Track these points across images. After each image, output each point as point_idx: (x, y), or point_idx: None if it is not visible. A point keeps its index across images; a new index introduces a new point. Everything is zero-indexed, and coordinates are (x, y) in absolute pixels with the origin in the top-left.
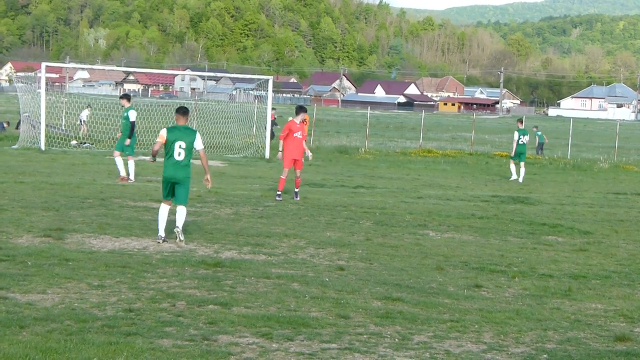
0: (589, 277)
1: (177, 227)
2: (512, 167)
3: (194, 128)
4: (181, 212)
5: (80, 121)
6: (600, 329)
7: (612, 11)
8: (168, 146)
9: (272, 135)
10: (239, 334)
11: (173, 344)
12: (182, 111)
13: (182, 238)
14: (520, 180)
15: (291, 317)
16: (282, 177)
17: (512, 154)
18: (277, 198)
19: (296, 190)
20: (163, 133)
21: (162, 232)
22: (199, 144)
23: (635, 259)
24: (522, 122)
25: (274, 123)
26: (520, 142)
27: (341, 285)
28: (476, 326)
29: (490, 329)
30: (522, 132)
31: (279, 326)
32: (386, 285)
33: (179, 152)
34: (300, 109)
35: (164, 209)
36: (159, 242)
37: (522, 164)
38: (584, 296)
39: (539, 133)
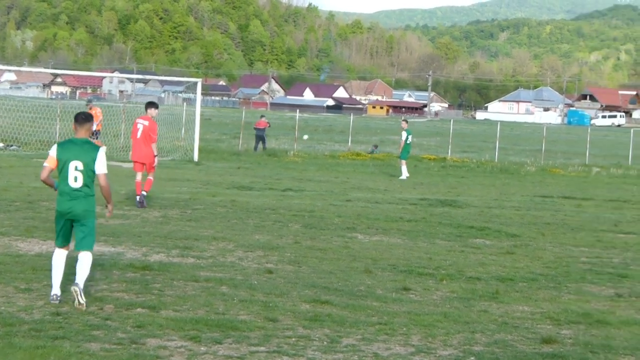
0: (516, 279)
1: (77, 284)
2: (404, 167)
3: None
4: (84, 262)
5: None
6: (527, 331)
7: (539, 15)
8: (60, 168)
9: (263, 141)
10: (167, 337)
11: (101, 347)
12: (82, 119)
13: (82, 300)
14: (405, 177)
15: (219, 320)
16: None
17: (400, 153)
18: (138, 205)
19: (143, 192)
20: (52, 152)
21: (56, 289)
22: (100, 167)
23: (562, 262)
24: (407, 122)
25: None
26: (407, 142)
27: (270, 288)
28: (404, 329)
29: (419, 332)
30: (410, 132)
31: (208, 329)
32: (315, 288)
33: (74, 176)
34: (151, 105)
35: (58, 256)
36: (52, 301)
37: (405, 162)
38: (511, 299)
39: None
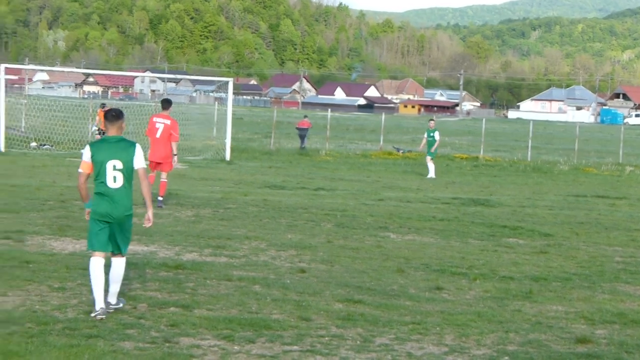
0: (550, 279)
1: (110, 303)
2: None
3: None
4: (118, 270)
5: None
6: (561, 331)
7: (571, 14)
8: (97, 170)
9: (303, 141)
10: (200, 336)
11: (134, 346)
12: (112, 116)
13: (113, 307)
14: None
15: (253, 319)
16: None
17: (430, 151)
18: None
19: (159, 197)
20: (86, 156)
21: (101, 303)
22: (139, 161)
23: (596, 261)
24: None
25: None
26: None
27: (302, 288)
28: (438, 328)
29: (452, 331)
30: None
31: (241, 328)
32: (347, 288)
33: (113, 176)
34: (169, 103)
35: (96, 265)
36: (99, 316)
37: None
38: (544, 298)
39: None
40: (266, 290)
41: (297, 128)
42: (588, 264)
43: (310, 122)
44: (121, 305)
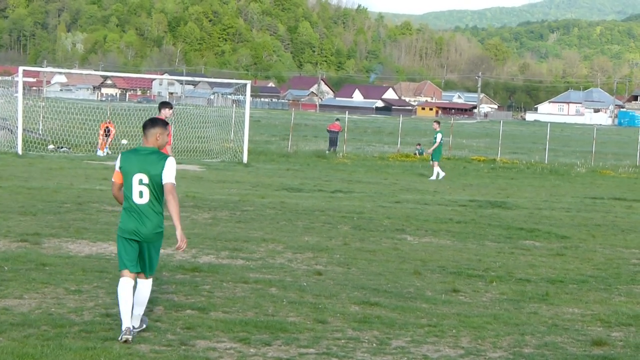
0: (566, 281)
1: (134, 326)
2: (437, 167)
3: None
4: (143, 294)
5: None
6: (578, 333)
7: (589, 16)
8: (124, 182)
9: (335, 144)
10: (216, 339)
11: (150, 349)
12: (148, 124)
13: (137, 331)
14: (439, 177)
15: (269, 322)
16: None
17: (433, 154)
18: None
19: None
20: (117, 165)
21: (128, 323)
22: (168, 175)
23: (612, 264)
24: (439, 124)
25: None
26: (440, 143)
27: (319, 290)
28: (454, 331)
29: (468, 334)
30: (441, 132)
31: (257, 331)
32: (364, 290)
33: (139, 190)
34: (164, 105)
35: (126, 286)
36: (126, 340)
37: (437, 163)
38: (561, 301)
39: None
40: (282, 292)
41: (328, 131)
42: (604, 267)
43: (341, 125)
44: (144, 326)
